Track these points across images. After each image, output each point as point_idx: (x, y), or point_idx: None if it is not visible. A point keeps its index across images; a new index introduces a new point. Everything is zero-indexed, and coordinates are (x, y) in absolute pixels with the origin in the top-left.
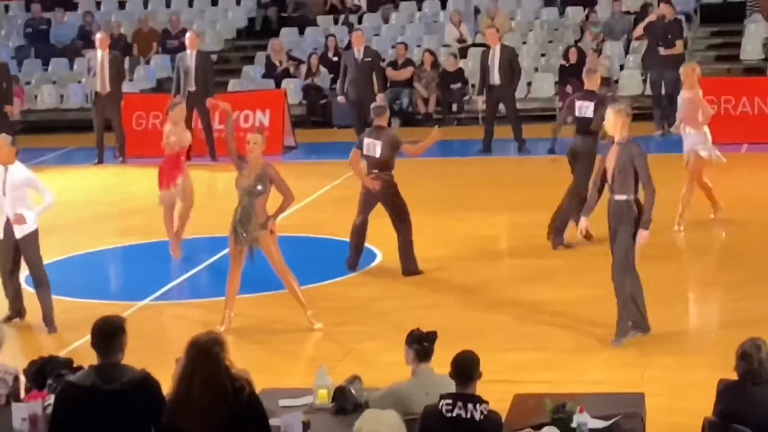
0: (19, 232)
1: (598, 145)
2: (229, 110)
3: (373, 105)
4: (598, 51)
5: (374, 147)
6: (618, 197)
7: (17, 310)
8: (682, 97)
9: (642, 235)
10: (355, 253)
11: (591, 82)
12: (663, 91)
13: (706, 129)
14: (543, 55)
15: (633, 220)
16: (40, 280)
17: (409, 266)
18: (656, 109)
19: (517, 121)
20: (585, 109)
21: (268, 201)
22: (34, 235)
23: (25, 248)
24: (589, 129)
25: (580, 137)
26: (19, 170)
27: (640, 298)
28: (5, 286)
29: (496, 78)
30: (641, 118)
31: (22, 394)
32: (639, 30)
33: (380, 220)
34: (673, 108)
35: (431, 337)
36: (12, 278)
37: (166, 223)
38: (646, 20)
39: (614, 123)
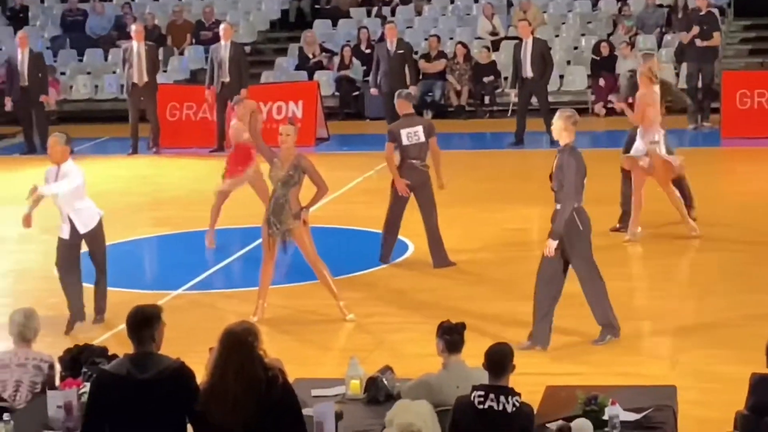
0: (83, 227)
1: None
2: (255, 109)
3: (402, 92)
4: (631, 44)
5: (416, 134)
6: (559, 206)
7: (80, 312)
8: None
9: (547, 244)
10: (387, 245)
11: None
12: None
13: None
14: (575, 48)
15: (579, 228)
16: (103, 273)
17: (440, 258)
18: (690, 103)
19: (548, 113)
20: None
21: (301, 192)
22: (97, 229)
23: (90, 242)
24: None
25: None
26: (68, 169)
27: (607, 302)
28: (65, 288)
29: (528, 71)
30: (674, 111)
31: (57, 382)
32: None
33: (413, 212)
34: (707, 101)
35: (460, 328)
36: (72, 280)
37: (212, 211)
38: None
39: (558, 128)
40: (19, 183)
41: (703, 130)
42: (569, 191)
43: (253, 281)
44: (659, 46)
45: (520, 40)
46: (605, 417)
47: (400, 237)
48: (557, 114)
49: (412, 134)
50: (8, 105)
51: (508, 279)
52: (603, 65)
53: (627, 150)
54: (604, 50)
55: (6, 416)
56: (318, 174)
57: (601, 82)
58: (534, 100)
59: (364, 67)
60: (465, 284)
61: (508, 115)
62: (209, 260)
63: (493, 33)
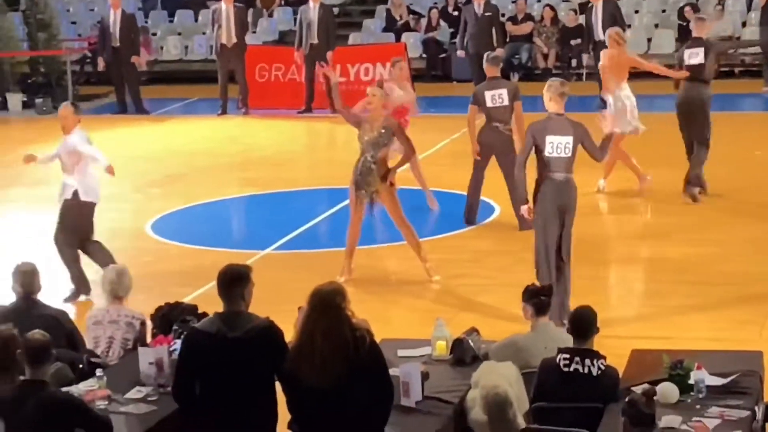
0: (61, 196)
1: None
2: (335, 78)
3: (489, 55)
4: (721, 4)
5: (501, 96)
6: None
7: (85, 284)
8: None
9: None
10: (472, 207)
11: (699, 30)
12: None
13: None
14: (663, 11)
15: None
16: (93, 248)
17: (526, 221)
18: (766, 66)
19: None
20: (694, 56)
21: (388, 154)
22: (70, 204)
23: (82, 213)
24: (700, 76)
25: (689, 85)
26: (72, 138)
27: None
28: (66, 261)
29: (600, 34)
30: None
31: (149, 339)
32: None
33: (499, 174)
34: None
35: (547, 291)
36: (75, 251)
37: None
38: None
39: (545, 98)
40: (112, 142)
41: None
42: (519, 157)
43: (340, 242)
44: (749, 9)
45: (590, 3)
46: (691, 381)
47: (486, 199)
48: (546, 84)
49: (497, 97)
50: (101, 65)
51: (592, 242)
52: (689, 30)
53: None
54: (688, 15)
55: (99, 372)
56: (406, 136)
57: None
58: None
59: (452, 29)
60: None
61: (583, 78)
62: (297, 220)
63: None
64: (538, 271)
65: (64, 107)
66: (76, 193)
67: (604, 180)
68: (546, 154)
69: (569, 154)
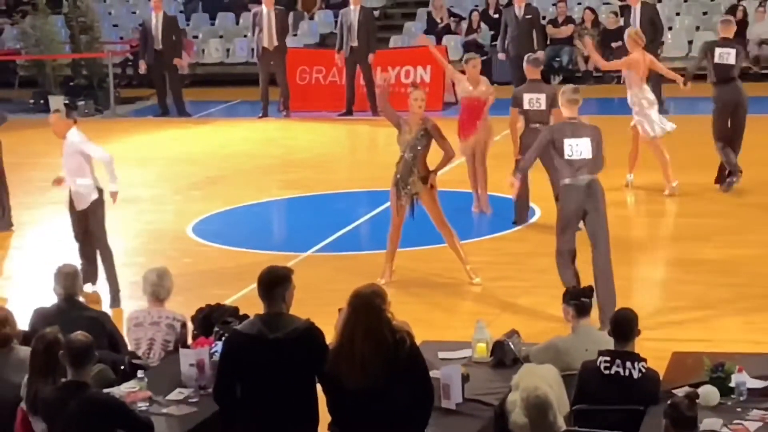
0: (81, 204)
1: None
2: (386, 87)
3: (530, 57)
4: (763, 6)
5: (538, 101)
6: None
7: (90, 275)
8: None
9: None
10: (519, 208)
11: (727, 30)
12: None
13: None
14: (705, 13)
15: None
16: (102, 254)
17: (521, 216)
18: None
19: (657, 80)
20: (726, 56)
21: (428, 156)
22: (96, 206)
23: (87, 218)
24: (729, 75)
25: (721, 86)
26: (71, 140)
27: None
28: (79, 251)
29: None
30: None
31: (190, 341)
32: None
33: (541, 175)
34: None
35: (588, 292)
36: (84, 245)
37: (470, 176)
38: None
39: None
40: (153, 145)
41: None
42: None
43: (381, 244)
44: None
45: (629, 7)
46: (732, 384)
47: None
48: (560, 90)
49: (534, 100)
50: (142, 68)
51: (632, 244)
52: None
53: None
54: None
55: (140, 373)
56: (444, 138)
57: None
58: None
59: (492, 32)
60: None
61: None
62: (338, 222)
63: None
64: (560, 275)
65: (51, 114)
66: (85, 198)
67: (631, 174)
68: (566, 157)
69: (589, 156)
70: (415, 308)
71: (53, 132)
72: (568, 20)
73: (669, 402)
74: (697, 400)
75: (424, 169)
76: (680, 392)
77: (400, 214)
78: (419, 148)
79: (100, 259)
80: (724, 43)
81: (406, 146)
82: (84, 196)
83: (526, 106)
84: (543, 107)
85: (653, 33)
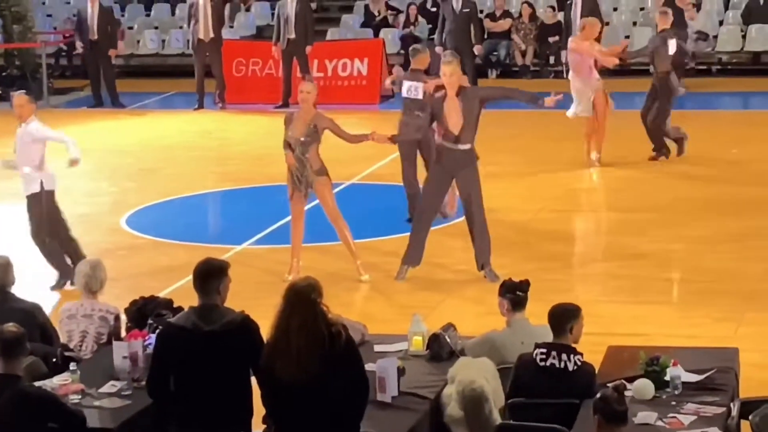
0: (26, 190)
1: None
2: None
3: (411, 48)
4: (697, 5)
5: (416, 89)
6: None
7: (65, 272)
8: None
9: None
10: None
11: (663, 22)
12: None
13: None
14: (642, 9)
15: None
16: (61, 244)
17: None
18: None
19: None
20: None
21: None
22: (32, 200)
23: (29, 207)
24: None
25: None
26: (30, 128)
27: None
28: (47, 253)
29: (578, 30)
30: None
31: (123, 333)
32: None
33: None
34: None
35: (524, 286)
36: (54, 242)
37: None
38: None
39: None
40: (87, 136)
41: None
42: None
43: (316, 236)
44: (726, 7)
45: (566, 1)
46: (667, 378)
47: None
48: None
49: (412, 88)
50: (79, 49)
51: (570, 238)
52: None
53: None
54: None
55: (73, 366)
56: (341, 129)
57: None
58: None
59: (430, 26)
60: (527, 245)
61: (564, 76)
62: (274, 215)
63: None
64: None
65: (19, 96)
66: (42, 184)
67: (597, 153)
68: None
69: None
70: (350, 301)
71: (17, 114)
72: (506, 14)
73: (598, 395)
74: (632, 394)
75: (318, 162)
76: (610, 385)
77: (300, 207)
78: (308, 143)
79: (68, 254)
80: (666, 34)
81: (296, 143)
82: (27, 184)
83: (404, 93)
84: (421, 96)
85: None
